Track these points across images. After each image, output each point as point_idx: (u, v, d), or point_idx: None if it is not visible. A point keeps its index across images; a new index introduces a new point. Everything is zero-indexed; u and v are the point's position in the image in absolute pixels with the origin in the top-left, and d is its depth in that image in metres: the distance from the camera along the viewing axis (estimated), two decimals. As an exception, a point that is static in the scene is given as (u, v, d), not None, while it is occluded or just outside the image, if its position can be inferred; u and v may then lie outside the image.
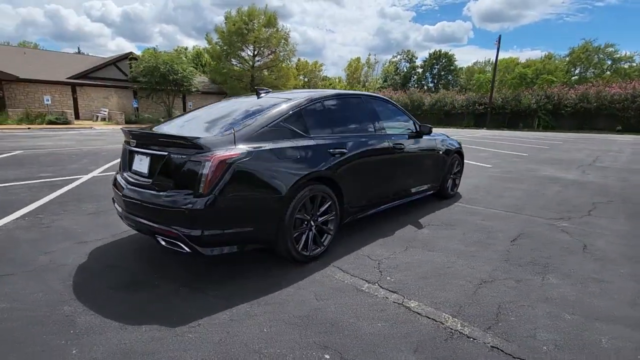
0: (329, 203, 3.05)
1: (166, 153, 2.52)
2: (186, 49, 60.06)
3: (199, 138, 2.44)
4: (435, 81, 60.97)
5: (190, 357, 1.84)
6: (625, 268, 2.97)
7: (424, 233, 3.76)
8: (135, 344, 1.93)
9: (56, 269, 2.80)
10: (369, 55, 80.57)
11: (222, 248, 2.52)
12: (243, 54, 34.38)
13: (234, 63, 34.55)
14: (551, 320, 2.20)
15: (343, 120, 3.49)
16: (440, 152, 4.80)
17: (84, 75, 26.50)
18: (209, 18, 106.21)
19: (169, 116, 26.71)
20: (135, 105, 27.98)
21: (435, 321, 2.18)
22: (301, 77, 62.10)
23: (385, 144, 3.75)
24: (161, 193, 2.50)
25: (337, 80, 70.51)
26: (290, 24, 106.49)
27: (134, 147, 2.82)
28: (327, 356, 1.87)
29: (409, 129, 4.40)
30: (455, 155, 5.18)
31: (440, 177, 4.88)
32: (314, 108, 3.17)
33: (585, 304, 2.40)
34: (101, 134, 16.31)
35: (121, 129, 3.03)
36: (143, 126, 2.91)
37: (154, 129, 2.91)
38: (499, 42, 32.11)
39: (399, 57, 65.54)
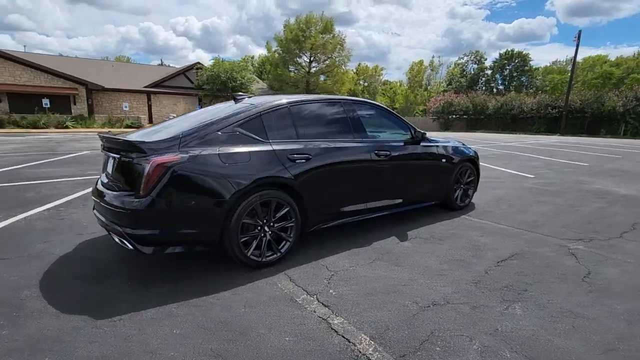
0: (287, 209, 3.00)
1: (119, 156, 2.72)
2: (252, 57, 63.56)
3: (143, 142, 2.58)
4: (506, 83, 56.40)
5: (92, 350, 1.94)
6: (626, 304, 2.47)
7: (403, 246, 3.51)
8: (56, 332, 2.10)
9: (43, 256, 3.15)
10: (433, 57, 77.36)
11: (166, 248, 2.63)
12: (300, 60, 35.36)
13: (291, 69, 35.67)
14: (481, 357, 1.91)
15: (314, 125, 3.41)
16: (444, 160, 4.44)
17: (157, 84, 29.51)
18: (278, 28, 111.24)
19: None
20: (199, 111, 30.37)
21: (348, 342, 2.03)
22: (361, 82, 61.88)
23: (365, 151, 3.57)
24: (113, 193, 2.70)
25: (398, 84, 68.97)
26: (355, 29, 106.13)
27: (103, 150, 3.07)
28: (213, 365, 1.84)
29: (403, 135, 4.15)
30: (466, 163, 4.75)
31: (444, 187, 4.51)
32: (276, 113, 3.15)
33: (540, 342, 2.04)
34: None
35: (96, 133, 3.33)
36: (119, 131, 3.14)
37: (120, 135, 3.13)
38: (579, 38, 28.75)
39: (465, 58, 61.99)
